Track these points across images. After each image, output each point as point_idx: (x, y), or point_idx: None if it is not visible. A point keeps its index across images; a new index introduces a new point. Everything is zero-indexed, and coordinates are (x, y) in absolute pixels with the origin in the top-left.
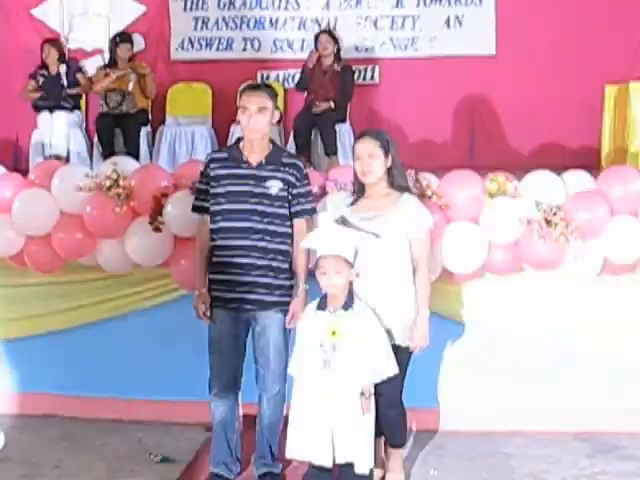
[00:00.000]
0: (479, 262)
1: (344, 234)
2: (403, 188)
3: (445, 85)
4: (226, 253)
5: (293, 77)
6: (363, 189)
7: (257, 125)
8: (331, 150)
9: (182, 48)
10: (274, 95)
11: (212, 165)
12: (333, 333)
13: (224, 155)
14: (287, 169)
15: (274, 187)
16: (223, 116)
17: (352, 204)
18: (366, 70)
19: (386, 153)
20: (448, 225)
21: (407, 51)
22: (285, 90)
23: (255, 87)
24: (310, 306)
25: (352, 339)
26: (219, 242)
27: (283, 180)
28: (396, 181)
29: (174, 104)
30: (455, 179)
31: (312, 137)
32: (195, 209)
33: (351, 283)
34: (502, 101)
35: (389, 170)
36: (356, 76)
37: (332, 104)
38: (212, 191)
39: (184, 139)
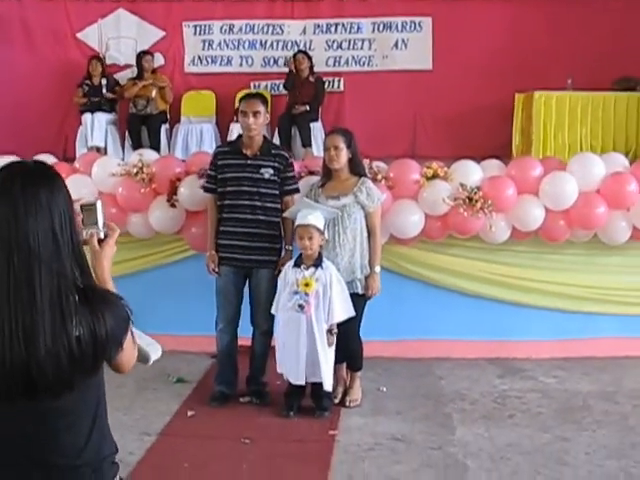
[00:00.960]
0: (418, 230)
1: (316, 208)
2: (361, 174)
3: (394, 93)
4: (231, 224)
5: (278, 86)
6: (330, 174)
7: (254, 125)
8: (307, 143)
9: (193, 64)
10: (266, 102)
11: (219, 156)
12: (306, 285)
13: (228, 149)
14: (276, 159)
15: (267, 173)
16: (224, 116)
17: (322, 186)
18: (334, 81)
19: (348, 146)
20: (394, 202)
21: (365, 67)
22: (272, 96)
23: (252, 96)
24: (289, 263)
25: (320, 290)
26: (226, 215)
27: (273, 167)
28: (355, 168)
29: (187, 107)
30: (400, 166)
31: (292, 133)
32: (206, 190)
33: (321, 247)
34: (437, 105)
35: (350, 159)
36: (326, 85)
37: (308, 107)
38: (220, 176)
39: (194, 134)
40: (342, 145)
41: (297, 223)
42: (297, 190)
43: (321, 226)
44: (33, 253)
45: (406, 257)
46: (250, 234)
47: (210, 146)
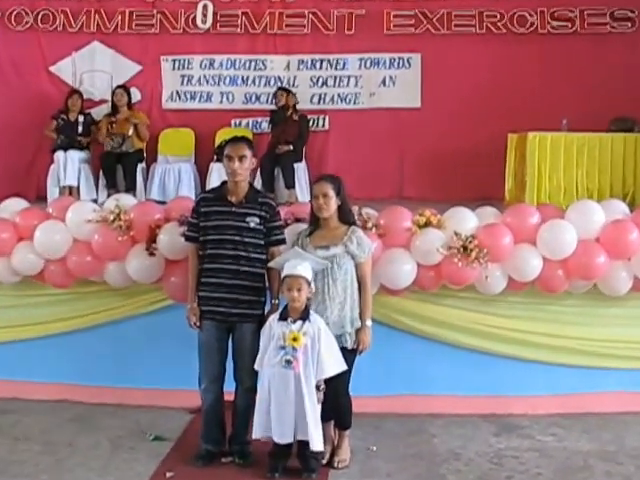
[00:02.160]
0: (410, 280)
1: (305, 258)
2: (350, 222)
3: (381, 131)
4: (213, 275)
5: (260, 124)
6: (318, 222)
7: (239, 170)
8: (290, 184)
9: (171, 99)
10: (252, 146)
11: (202, 203)
12: (294, 339)
13: (212, 195)
14: (263, 207)
15: (252, 222)
16: (204, 155)
17: (309, 235)
18: (318, 119)
19: (337, 193)
20: (385, 250)
21: (351, 104)
22: (253, 135)
23: (237, 139)
24: (273, 316)
25: (309, 344)
26: (208, 265)
27: (260, 216)
28: (345, 216)
29: (165, 145)
30: (391, 213)
31: (275, 173)
32: (188, 238)
33: (309, 299)
34: (426, 145)
35: (339, 207)
36: (311, 124)
37: (291, 147)
38: (202, 224)
39: (172, 174)
40: (331, 193)
41: (285, 273)
42: (283, 241)
43: (310, 277)
44: None
45: (397, 308)
46: (233, 286)
47: (189, 187)
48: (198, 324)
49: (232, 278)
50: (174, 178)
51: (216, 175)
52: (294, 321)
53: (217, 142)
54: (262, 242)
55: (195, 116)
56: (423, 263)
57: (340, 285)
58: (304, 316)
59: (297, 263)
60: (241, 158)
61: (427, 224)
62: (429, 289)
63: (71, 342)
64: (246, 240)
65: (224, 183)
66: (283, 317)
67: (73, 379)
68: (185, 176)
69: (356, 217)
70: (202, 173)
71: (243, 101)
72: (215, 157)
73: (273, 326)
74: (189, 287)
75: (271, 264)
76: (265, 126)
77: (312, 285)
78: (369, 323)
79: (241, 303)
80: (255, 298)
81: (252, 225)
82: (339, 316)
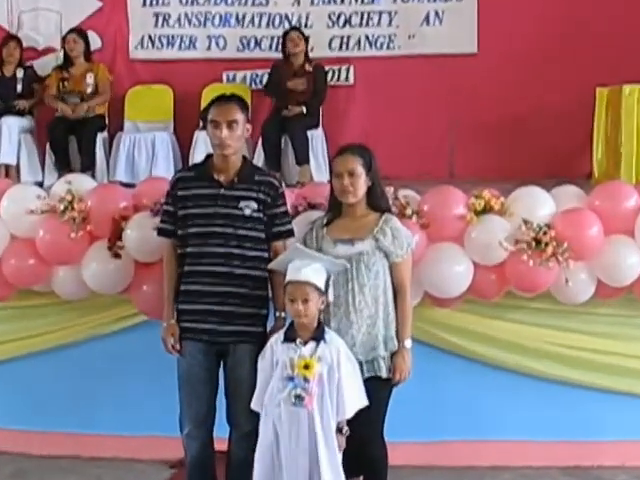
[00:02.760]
0: (463, 285)
1: (314, 258)
2: (383, 208)
3: (424, 87)
4: (197, 280)
5: (261, 78)
6: (340, 209)
7: (229, 140)
8: (303, 159)
9: (141, 46)
10: (246, 107)
11: (179, 185)
12: (306, 367)
13: (192, 174)
14: (262, 188)
15: (248, 208)
16: (186, 121)
17: (327, 224)
18: (340, 70)
19: (368, 170)
20: (431, 246)
21: (383, 50)
22: (252, 93)
23: (225, 99)
24: (275, 337)
25: (325, 373)
26: (188, 268)
27: (257, 200)
28: (376, 201)
29: (133, 108)
30: (437, 196)
31: (282, 145)
32: (161, 232)
33: (320, 311)
34: (485, 104)
35: (369, 189)
36: (329, 77)
37: (303, 108)
38: (181, 213)
39: (144, 146)
40: (359, 170)
41: (288, 279)
42: (291, 232)
43: (321, 283)
44: None
45: (447, 324)
46: (224, 295)
47: (166, 164)
48: (178, 347)
49: (222, 284)
50: (146, 152)
51: (202, 147)
52: (304, 343)
53: (204, 103)
54: (262, 235)
55: (174, 69)
56: (481, 262)
57: (370, 293)
58: (318, 336)
59: (302, 265)
60: (230, 124)
61: (486, 210)
62: (490, 298)
63: (9, 373)
64: (240, 233)
65: (209, 157)
66: (289, 338)
67: (13, 423)
68: (161, 149)
69: (391, 202)
70: (184, 145)
71: (238, 47)
72: (201, 123)
73: (276, 350)
74: (165, 298)
75: (271, 265)
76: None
77: (330, 293)
78: (409, 344)
79: (235, 318)
80: (254, 311)
81: (248, 212)
82: (369, 335)
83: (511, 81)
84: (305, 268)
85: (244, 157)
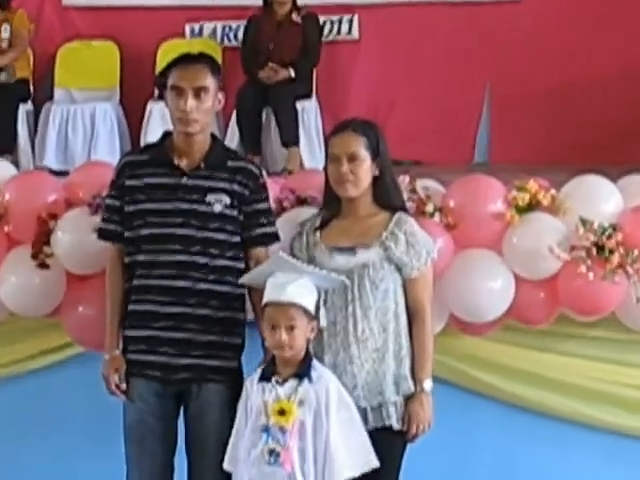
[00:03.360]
0: (501, 306)
1: (300, 270)
2: (395, 205)
3: (450, 43)
4: (148, 298)
5: (236, 32)
6: (338, 205)
7: (195, 114)
8: (290, 138)
9: None
10: (218, 70)
11: (127, 172)
12: (281, 412)
13: (144, 158)
14: (236, 177)
15: (218, 203)
16: (136, 89)
17: (321, 227)
18: (340, 21)
19: (375, 154)
20: (458, 254)
21: None
22: (224, 51)
23: (192, 59)
24: (252, 376)
25: (308, 421)
26: (139, 282)
27: (230, 193)
28: (386, 195)
29: (66, 71)
30: (467, 188)
31: (263, 120)
32: (102, 235)
33: (309, 340)
34: (530, 68)
35: (376, 179)
36: (325, 30)
37: (291, 71)
38: (128, 210)
39: (80, 121)
40: (363, 153)
41: (267, 298)
42: (275, 236)
43: (311, 304)
44: None
45: (479, 359)
46: (184, 318)
47: (110, 143)
48: (124, 387)
49: (182, 304)
50: (84, 129)
51: (158, 123)
52: (282, 381)
53: (160, 65)
54: (236, 239)
55: (121, 19)
56: (525, 276)
57: (376, 319)
58: (301, 371)
59: (287, 280)
60: (198, 92)
61: (532, 206)
62: (536, 324)
63: None
64: (206, 235)
65: (167, 136)
66: (265, 375)
67: None
68: (103, 125)
69: (405, 196)
70: (133, 120)
71: None
72: (157, 92)
73: (251, 392)
74: (107, 322)
75: (244, 279)
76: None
77: (322, 317)
78: (429, 386)
79: (199, 348)
80: (224, 339)
81: (218, 209)
82: (375, 375)
83: (565, 38)
84: (291, 285)
85: (213, 136)
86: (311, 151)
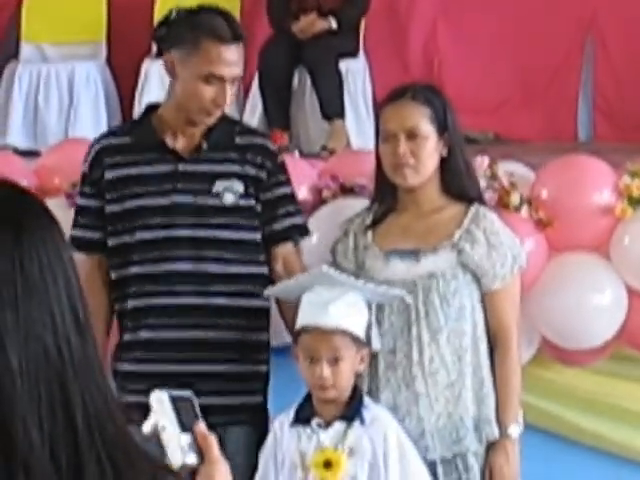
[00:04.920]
0: (610, 328)
1: (352, 287)
2: (470, 196)
3: None
4: (149, 323)
5: None
6: (395, 196)
7: (228, 101)
8: (332, 109)
9: None
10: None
11: (106, 161)
12: (326, 466)
13: (126, 140)
14: (247, 156)
15: (229, 192)
16: (127, 44)
17: (373, 226)
18: None
19: (442, 129)
20: (553, 259)
21: None
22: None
23: (231, 32)
24: (281, 417)
25: (361, 475)
26: (135, 304)
27: (244, 178)
28: (457, 183)
29: (36, 21)
30: (564, 173)
31: (295, 85)
32: (77, 244)
33: (357, 376)
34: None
35: (444, 162)
36: None
37: (332, 22)
38: (109, 210)
39: (55, 86)
40: (426, 128)
41: (302, 322)
42: (305, 228)
43: (361, 328)
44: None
45: (581, 397)
46: (198, 345)
47: (95, 119)
48: None
49: (192, 326)
50: (59, 97)
51: (156, 86)
52: (325, 425)
53: (159, 13)
54: (256, 235)
55: None
56: None
57: (448, 345)
58: (349, 413)
59: (329, 297)
60: (235, 80)
61: None
62: None
63: None
64: (218, 236)
65: (151, 110)
66: (302, 418)
67: None
68: (85, 91)
69: (484, 184)
70: (124, 84)
71: None
72: (155, 47)
73: (281, 439)
74: None
75: (269, 292)
76: None
77: (374, 339)
78: (515, 431)
79: (215, 383)
80: (248, 369)
81: (230, 200)
82: (449, 418)
83: None
84: (334, 303)
85: None
86: (358, 125)
